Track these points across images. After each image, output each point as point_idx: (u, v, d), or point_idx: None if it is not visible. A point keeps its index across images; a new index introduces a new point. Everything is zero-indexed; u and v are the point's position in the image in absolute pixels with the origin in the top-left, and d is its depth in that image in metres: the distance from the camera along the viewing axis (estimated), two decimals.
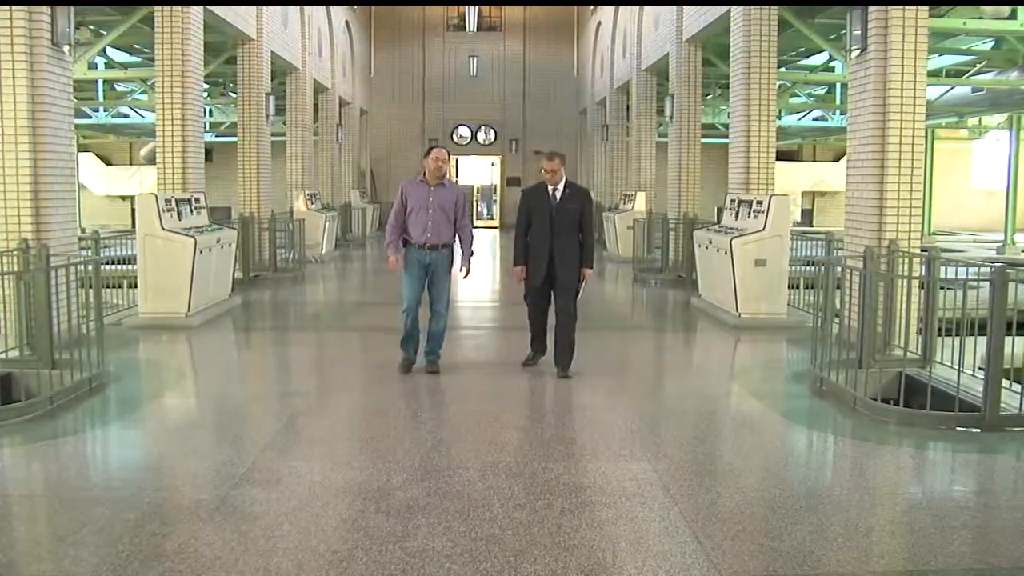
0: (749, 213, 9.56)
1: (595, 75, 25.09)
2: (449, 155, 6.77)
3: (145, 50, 14.66)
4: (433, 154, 6.68)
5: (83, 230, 18.81)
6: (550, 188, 6.59)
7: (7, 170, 7.25)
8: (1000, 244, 18.95)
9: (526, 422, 5.48)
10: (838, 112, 19.90)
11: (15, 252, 7.08)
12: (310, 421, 5.59)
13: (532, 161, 29.38)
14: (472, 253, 6.84)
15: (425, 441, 5.13)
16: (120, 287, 9.97)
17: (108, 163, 27.54)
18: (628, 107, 20.11)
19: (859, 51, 7.78)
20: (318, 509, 4.05)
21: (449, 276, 6.78)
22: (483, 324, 10.27)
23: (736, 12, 10.99)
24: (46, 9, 7.32)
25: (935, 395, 5.83)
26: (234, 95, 16.57)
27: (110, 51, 14.70)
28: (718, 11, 11.85)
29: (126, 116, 21.10)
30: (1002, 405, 5.37)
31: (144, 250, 8.90)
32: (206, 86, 17.44)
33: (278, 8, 15.05)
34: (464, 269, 6.83)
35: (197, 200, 10.01)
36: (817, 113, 21.02)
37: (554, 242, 6.53)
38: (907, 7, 7.36)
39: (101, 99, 18.02)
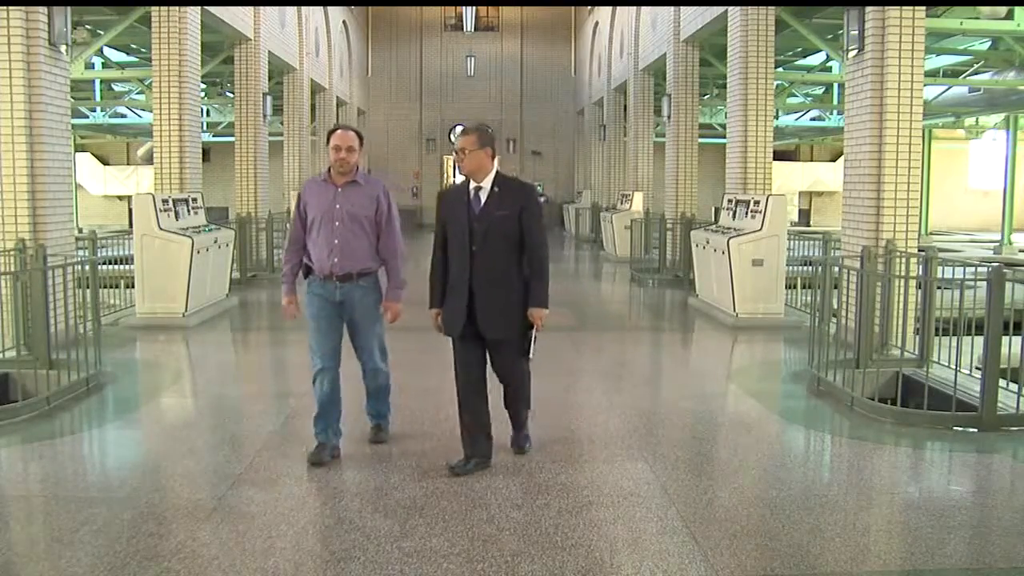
0: (746, 213, 9.57)
1: (592, 75, 25.10)
2: (362, 140, 4.67)
3: (142, 50, 14.66)
4: (335, 139, 4.57)
5: (80, 230, 18.81)
6: (471, 187, 4.40)
7: (4, 170, 7.24)
8: (997, 244, 18.98)
9: None
10: (835, 112, 19.94)
11: (12, 252, 7.07)
12: (307, 421, 5.56)
13: (529, 161, 29.45)
14: (403, 284, 4.74)
15: (422, 441, 5.13)
16: (117, 287, 9.98)
17: (105, 163, 27.51)
18: (625, 107, 20.14)
19: (856, 51, 7.79)
20: (315, 509, 4.05)
21: (378, 315, 4.74)
22: None
23: (733, 12, 11.00)
24: (43, 9, 7.31)
25: (932, 395, 5.84)
26: (231, 95, 16.56)
27: (107, 51, 14.68)
28: (715, 11, 11.87)
29: (123, 116, 21.10)
30: (999, 405, 5.38)
31: (141, 250, 8.89)
32: (203, 86, 17.46)
33: (275, 8, 15.06)
34: (389, 310, 4.72)
35: (194, 200, 10.01)
36: (814, 113, 21.05)
37: (474, 270, 4.33)
38: (904, 7, 7.37)
39: (98, 99, 18.01)
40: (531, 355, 4.52)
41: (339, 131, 4.60)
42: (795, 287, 10.18)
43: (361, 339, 4.74)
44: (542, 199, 28.63)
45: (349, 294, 4.63)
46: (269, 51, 14.56)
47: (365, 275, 4.66)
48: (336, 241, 4.58)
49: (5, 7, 7.14)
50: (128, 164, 27.70)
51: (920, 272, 6.99)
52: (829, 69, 15.70)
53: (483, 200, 4.36)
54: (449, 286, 4.43)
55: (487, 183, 4.38)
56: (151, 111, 11.45)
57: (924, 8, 7.49)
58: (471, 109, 29.18)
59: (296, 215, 4.74)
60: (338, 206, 4.59)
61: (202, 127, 18.68)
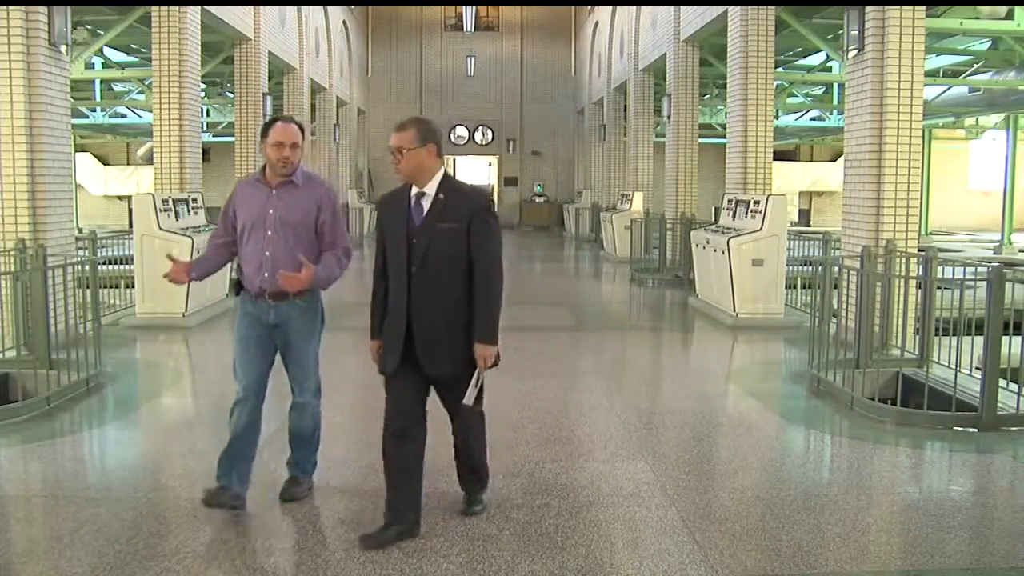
0: (746, 213, 9.57)
1: (592, 75, 25.10)
2: (304, 132, 3.99)
3: (142, 50, 14.66)
4: (275, 134, 3.83)
5: (80, 230, 18.80)
6: (413, 193, 3.62)
7: (4, 170, 7.24)
8: (997, 244, 18.98)
9: (523, 422, 5.47)
10: (835, 112, 19.93)
11: (12, 252, 7.07)
12: None
13: (529, 161, 29.45)
14: (326, 285, 4.04)
15: None
16: (117, 287, 9.97)
17: (105, 163, 27.49)
18: (625, 107, 20.14)
19: (856, 51, 7.79)
20: (315, 509, 4.05)
21: (315, 339, 4.14)
22: None
23: (733, 12, 11.00)
24: (43, 9, 7.31)
25: (932, 395, 5.84)
26: (231, 95, 16.56)
27: (107, 51, 14.69)
28: (715, 11, 11.87)
29: (123, 116, 21.09)
30: (999, 405, 5.38)
31: (141, 250, 8.88)
32: (203, 86, 17.45)
33: (275, 8, 15.06)
34: (303, 272, 3.79)
35: (194, 200, 10.01)
36: (814, 113, 21.05)
37: (413, 295, 3.58)
38: (904, 7, 7.37)
39: (98, 99, 18.01)
40: (471, 401, 3.65)
41: (279, 124, 3.85)
42: (795, 287, 10.18)
43: (294, 364, 4.06)
44: (540, 198, 28.81)
45: (285, 315, 3.94)
46: (269, 51, 14.55)
47: (303, 292, 3.92)
48: (267, 253, 3.86)
49: (5, 7, 7.14)
50: (128, 164, 27.68)
51: (920, 272, 6.99)
52: (829, 69, 15.69)
53: (425, 209, 3.58)
54: (388, 313, 3.68)
55: (431, 188, 3.58)
56: (151, 111, 11.44)
57: (924, 8, 7.49)
58: (471, 109, 29.20)
59: (221, 218, 4.06)
60: (271, 211, 3.88)
61: (202, 127, 18.67)
